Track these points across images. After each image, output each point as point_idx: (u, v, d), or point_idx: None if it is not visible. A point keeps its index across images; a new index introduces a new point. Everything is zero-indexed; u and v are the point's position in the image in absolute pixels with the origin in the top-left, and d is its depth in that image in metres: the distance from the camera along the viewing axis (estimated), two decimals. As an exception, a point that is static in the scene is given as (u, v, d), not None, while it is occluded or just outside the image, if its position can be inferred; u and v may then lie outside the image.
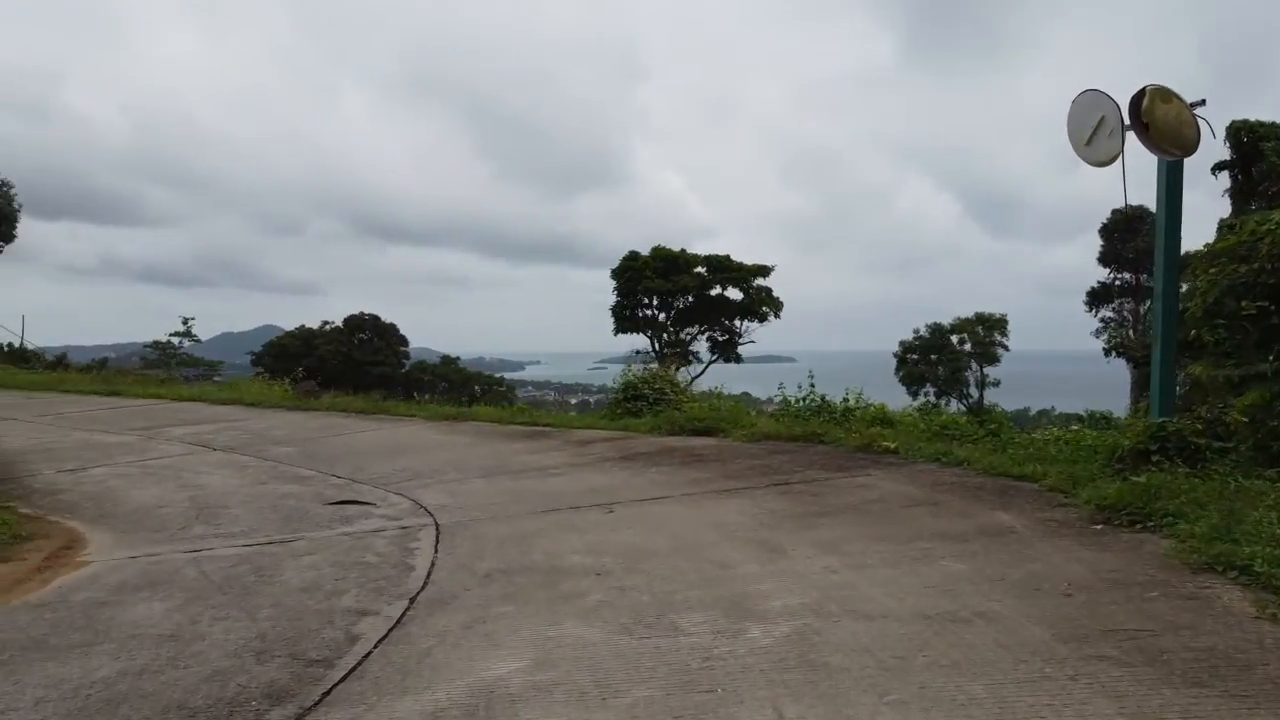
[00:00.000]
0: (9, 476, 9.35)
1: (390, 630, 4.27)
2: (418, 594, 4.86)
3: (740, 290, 43.47)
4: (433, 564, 5.51)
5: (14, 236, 50.14)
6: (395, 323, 70.24)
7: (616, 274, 43.81)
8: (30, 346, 46.66)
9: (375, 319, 69.05)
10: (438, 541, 6.12)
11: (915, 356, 53.75)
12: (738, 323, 44.11)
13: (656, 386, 13.58)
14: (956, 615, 4.02)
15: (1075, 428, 12.14)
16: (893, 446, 8.92)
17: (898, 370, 54.36)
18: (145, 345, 60.32)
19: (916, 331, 54.81)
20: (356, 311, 70.36)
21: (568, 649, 3.85)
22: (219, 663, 3.91)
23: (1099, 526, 5.62)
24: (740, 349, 44.38)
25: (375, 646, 4.05)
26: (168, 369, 55.62)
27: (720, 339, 44.40)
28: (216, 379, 30.48)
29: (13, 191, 50.38)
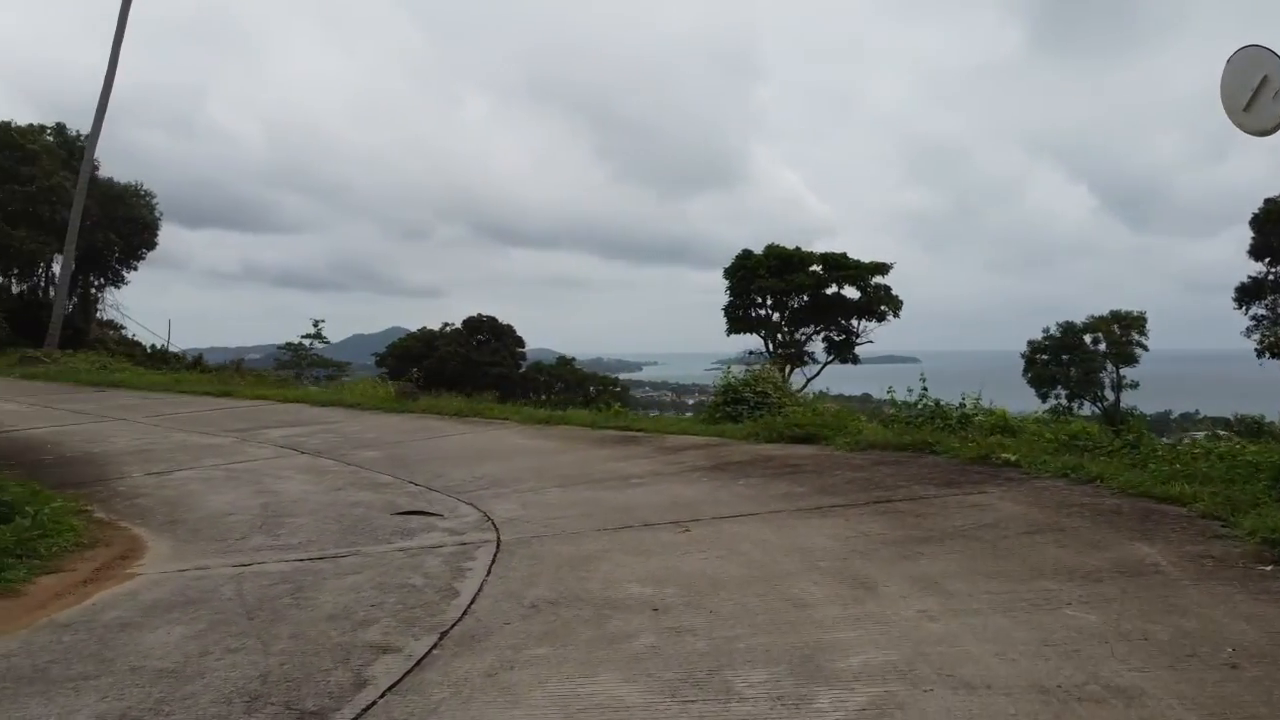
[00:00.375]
0: (101, 478, 9.33)
1: (405, 675, 3.72)
2: (451, 627, 4.31)
3: (857, 289, 42.03)
4: (479, 590, 4.97)
5: (155, 244, 52.77)
6: (512, 324, 71.10)
7: (729, 273, 42.99)
8: (174, 349, 49.01)
9: (493, 320, 70.01)
10: (493, 562, 5.58)
11: (1045, 357, 51.05)
12: (855, 322, 42.69)
13: (759, 389, 12.83)
14: (1084, 690, 3.20)
15: (1224, 434, 10.81)
16: (1013, 459, 7.97)
17: (1026, 371, 51.76)
18: (279, 347, 62.83)
19: (1046, 331, 52.07)
20: (475, 313, 71.57)
21: (595, 713, 3.22)
22: (205, 709, 3.43)
23: (1268, 568, 4.64)
24: (858, 349, 42.92)
25: (381, 696, 3.51)
26: (299, 369, 57.67)
27: (837, 339, 43.06)
28: (345, 379, 31.16)
29: (154, 201, 53.08)
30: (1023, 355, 52.31)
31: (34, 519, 6.76)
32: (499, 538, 6.27)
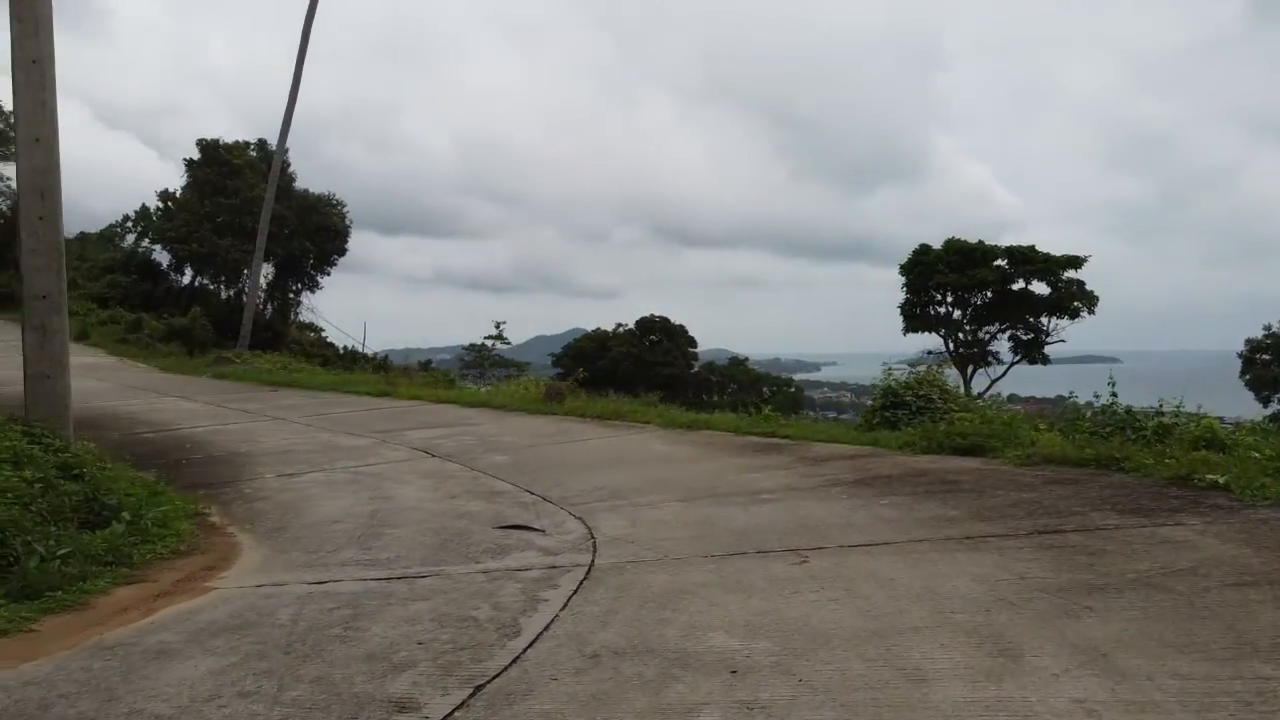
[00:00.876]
0: (234, 479, 9.33)
1: (407, 746, 3.07)
2: (490, 680, 3.64)
3: (1047, 284, 39.01)
4: (544, 629, 4.28)
5: (346, 250, 55.68)
6: (685, 324, 70.90)
7: (905, 269, 40.89)
8: (367, 350, 51.50)
9: (665, 321, 69.99)
10: (575, 592, 4.90)
11: (1267, 357, 45.85)
12: (1044, 320, 39.65)
13: (921, 393, 11.62)
14: None
15: None
16: (1222, 481, 6.58)
17: (1244, 373, 46.66)
18: (463, 348, 65.12)
19: (1268, 328, 46.72)
20: (648, 314, 71.79)
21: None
22: (167, 779, 2.90)
23: None
24: (1048, 349, 39.85)
25: (366, 777, 2.86)
26: (481, 369, 59.40)
27: (1024, 338, 40.14)
28: (521, 378, 31.62)
29: (345, 209, 56.02)
30: (1240, 355, 47.18)
31: (137, 523, 6.64)
32: (593, 561, 5.58)
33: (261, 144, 50.77)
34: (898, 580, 4.73)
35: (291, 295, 55.61)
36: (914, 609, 4.22)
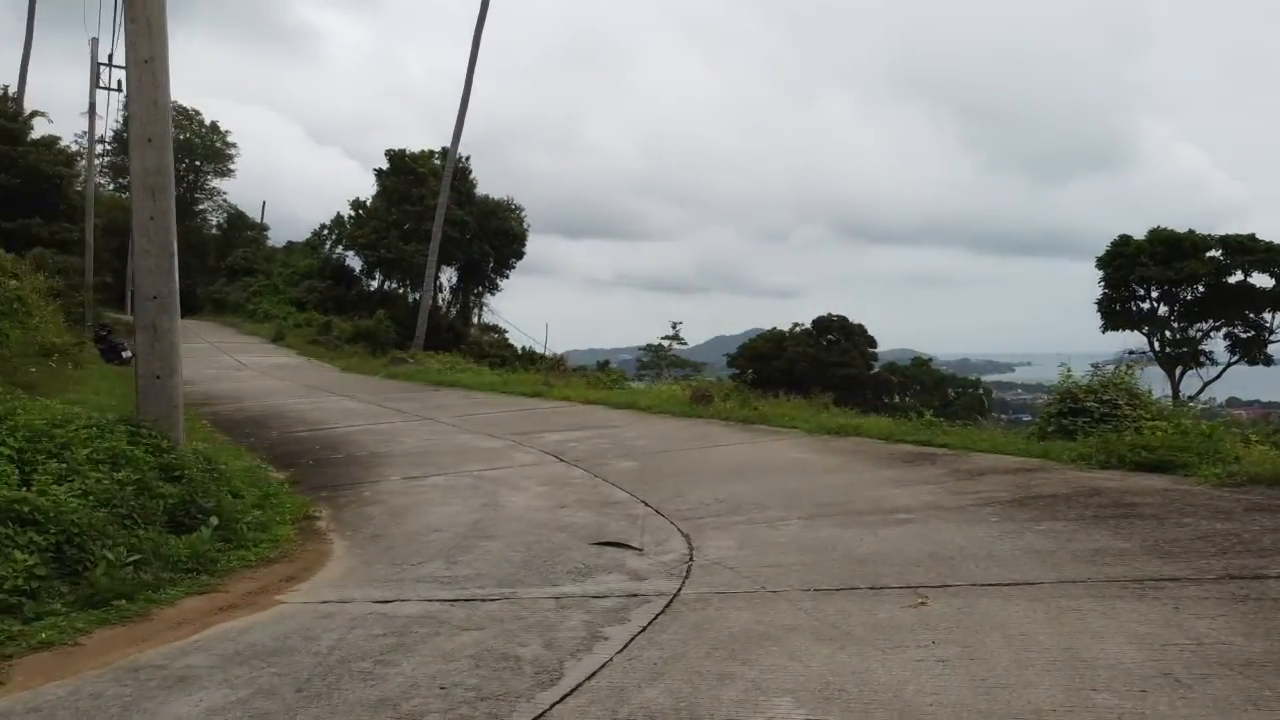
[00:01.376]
0: (360, 481, 9.22)
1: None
2: (493, 747, 3.03)
3: (1271, 276, 34.90)
4: (587, 679, 3.65)
5: (523, 253, 57.09)
6: (863, 324, 68.48)
7: (1103, 262, 37.60)
8: (548, 351, 52.64)
9: (843, 320, 67.86)
10: (642, 631, 4.23)
11: None
12: (1267, 315, 35.46)
13: (1106, 397, 10.21)
14: None
15: None
16: None
17: None
18: (640, 348, 65.61)
19: None
20: (825, 313, 69.88)
21: None
22: None
23: None
24: (1271, 348, 35.64)
25: None
26: (657, 370, 59.62)
27: (1242, 336, 36.07)
28: (700, 378, 31.26)
29: (523, 213, 57.43)
30: None
31: (233, 528, 6.48)
32: (679, 590, 4.90)
33: (445, 152, 52.66)
34: (1032, 637, 3.79)
35: (473, 298, 57.58)
36: (1044, 681, 3.30)
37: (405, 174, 49.67)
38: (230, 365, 27.58)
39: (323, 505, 8.07)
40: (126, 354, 26.42)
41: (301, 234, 56.68)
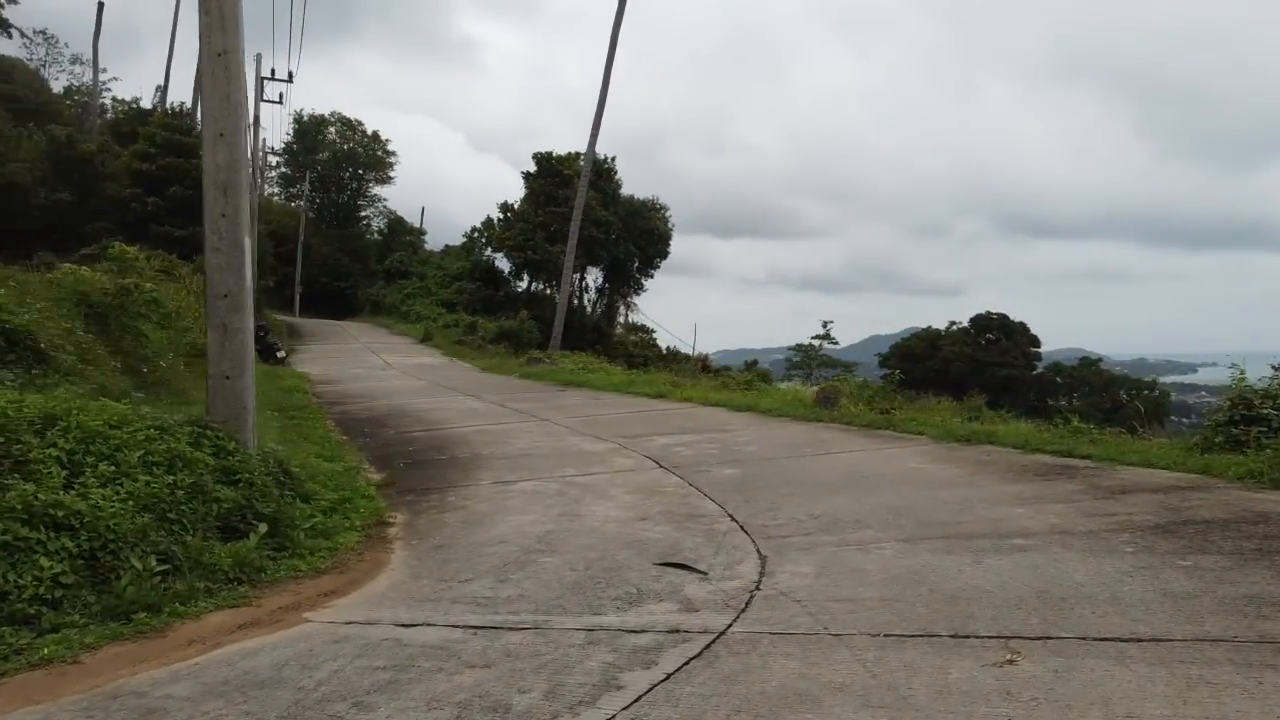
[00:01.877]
0: (452, 484, 8.95)
1: None
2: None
3: None
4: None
5: (668, 253, 56.92)
6: (1025, 322, 64.78)
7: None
8: (695, 351, 52.39)
9: (1003, 318, 64.41)
10: (662, 681, 3.61)
11: None
12: None
13: (1289, 405, 8.78)
14: None
15: None
16: None
17: None
18: (789, 348, 64.36)
19: None
20: (984, 311, 66.52)
21: None
22: None
23: None
24: None
25: None
26: (807, 370, 58.36)
27: None
28: (848, 379, 30.23)
29: (668, 213, 57.25)
30: None
31: (290, 535, 6.23)
32: (728, 627, 4.23)
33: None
34: (1148, 718, 2.93)
35: (617, 298, 57.77)
36: (1144, 789, 2.48)
37: (551, 176, 50.26)
38: (376, 365, 28.37)
39: (403, 510, 7.79)
40: (281, 353, 27.58)
41: (459, 238, 58.30)
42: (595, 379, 21.47)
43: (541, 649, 4.06)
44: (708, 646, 3.96)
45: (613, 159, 53.60)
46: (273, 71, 36.80)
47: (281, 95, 37.89)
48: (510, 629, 4.41)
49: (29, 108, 41.76)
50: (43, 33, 54.54)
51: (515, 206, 52.07)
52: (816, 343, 60.08)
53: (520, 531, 6.68)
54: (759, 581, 5.02)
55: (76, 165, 36.93)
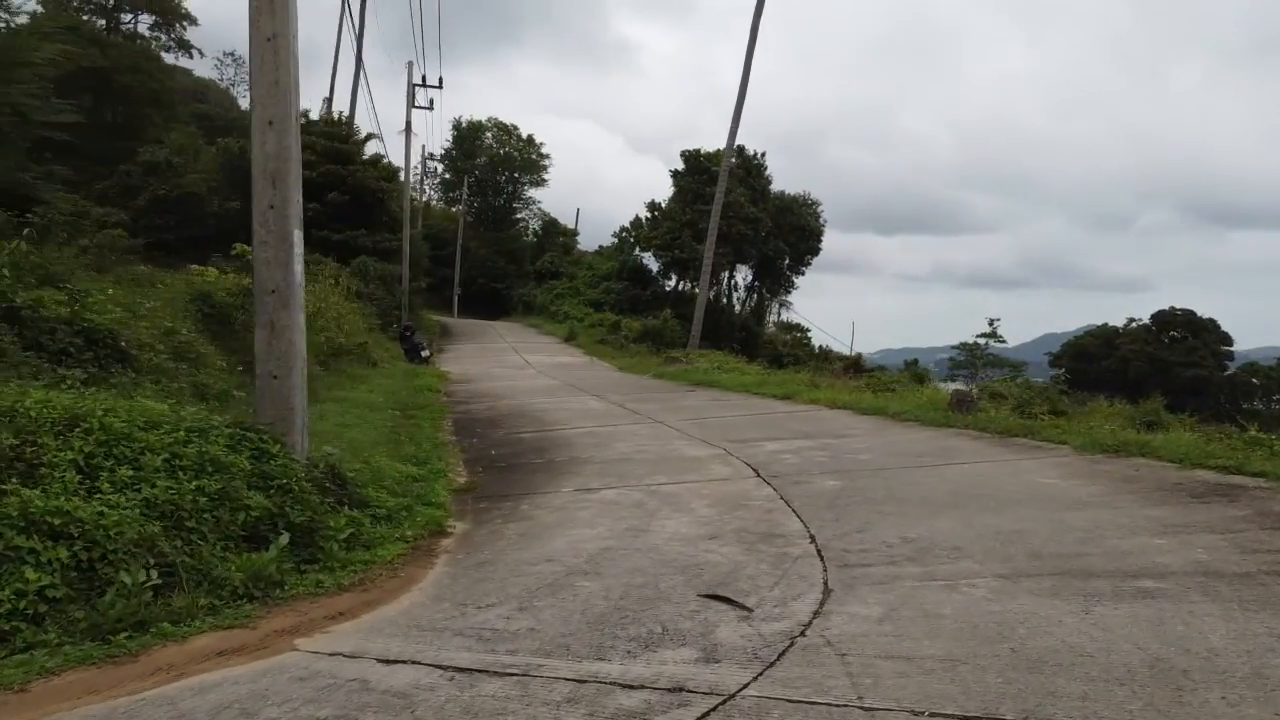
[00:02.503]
0: (534, 490, 8.47)
1: None
2: None
3: None
4: None
5: (819, 249, 55.36)
6: (1215, 318, 59.38)
7: None
8: (851, 351, 50.78)
9: (1189, 314, 59.25)
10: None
11: None
12: None
13: None
14: None
15: None
16: None
17: None
18: (952, 347, 61.53)
19: None
20: (1167, 307, 61.42)
21: None
22: None
23: None
24: None
25: None
26: (972, 370, 55.66)
27: None
28: (1019, 379, 28.42)
29: (819, 209, 55.66)
30: None
31: (320, 545, 5.82)
32: (741, 689, 3.46)
33: (740, 150, 52.07)
34: None
35: (767, 296, 56.59)
36: None
37: (699, 173, 49.62)
38: (516, 364, 28.48)
39: (468, 518, 7.32)
40: (426, 353, 28.06)
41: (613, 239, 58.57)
42: (726, 379, 20.68)
43: (509, 706, 3.40)
44: (703, 717, 3.19)
45: (762, 154, 52.50)
46: (424, 78, 37.67)
47: (432, 101, 38.69)
48: (495, 673, 3.77)
49: (219, 125, 44.52)
50: (231, 54, 58.49)
51: (663, 205, 51.75)
52: (982, 341, 57.03)
53: (574, 549, 6.05)
54: (808, 625, 4.19)
55: (247, 174, 38.87)
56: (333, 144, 37.16)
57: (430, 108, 38.47)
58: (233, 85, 57.78)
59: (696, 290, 51.30)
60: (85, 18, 45.08)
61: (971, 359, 56.52)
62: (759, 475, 8.54)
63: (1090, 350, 60.44)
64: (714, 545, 5.95)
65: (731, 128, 30.78)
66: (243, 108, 54.37)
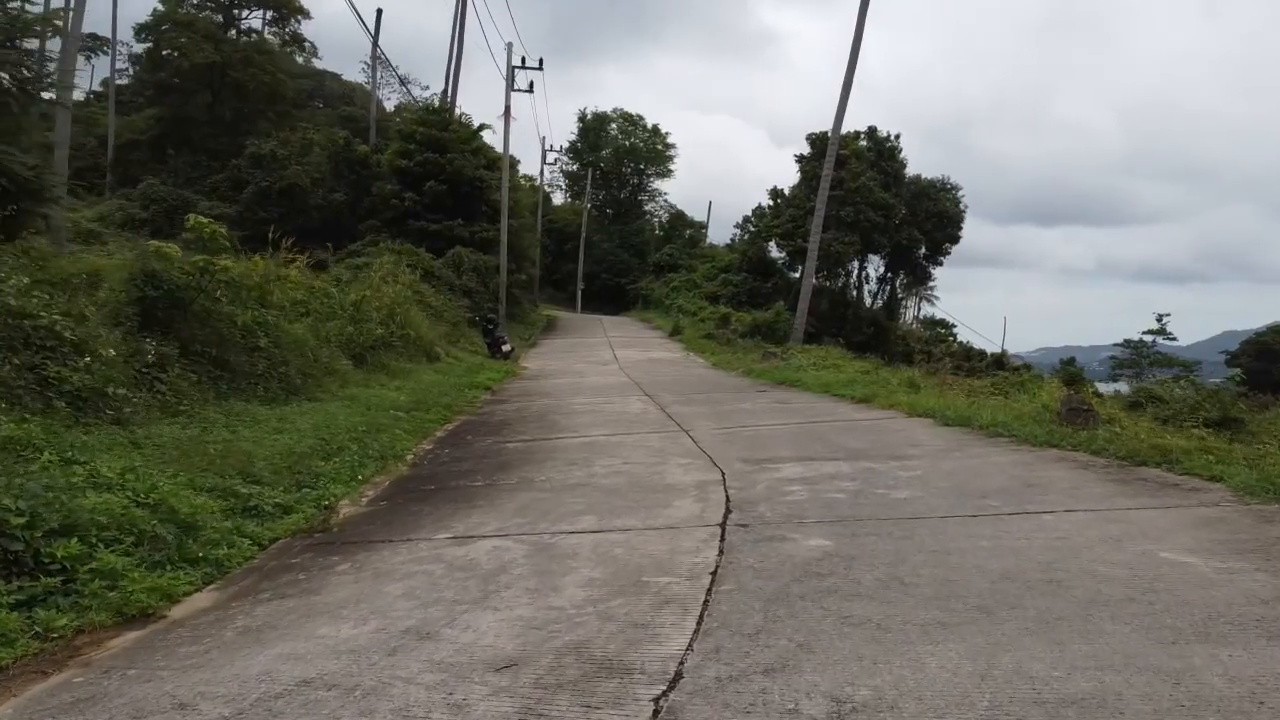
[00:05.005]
0: (412, 533, 5.96)
1: None
2: None
3: None
4: None
5: (959, 237, 50.78)
6: None
7: None
8: (996, 348, 46.25)
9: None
10: None
11: None
12: None
13: None
14: None
15: None
16: None
17: None
18: (1116, 345, 55.60)
19: None
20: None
21: None
22: None
23: None
24: None
25: None
26: (1138, 369, 50.02)
27: None
28: (1196, 380, 24.31)
29: (960, 194, 51.01)
30: None
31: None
32: None
33: (872, 131, 48.23)
34: None
35: (900, 289, 52.39)
36: None
37: (822, 158, 46.05)
38: (600, 360, 26.10)
39: (237, 585, 4.88)
40: (506, 348, 26.06)
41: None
42: (807, 377, 17.64)
43: None
44: None
45: (896, 136, 48.40)
46: (523, 60, 35.69)
47: (531, 84, 36.70)
48: None
49: (363, 126, 44.48)
50: (379, 58, 59.06)
51: (785, 192, 48.35)
52: (1150, 338, 51.00)
53: (269, 675, 3.45)
54: None
55: (353, 166, 38.21)
56: (431, 132, 35.76)
57: (530, 90, 36.47)
58: (378, 87, 58.12)
59: (825, 282, 47.76)
60: (203, 14, 45.58)
61: (1137, 357, 50.64)
62: (724, 522, 5.72)
63: (1275, 348, 53.35)
64: (486, 692, 3.22)
65: (839, 107, 27.61)
66: (387, 109, 54.65)
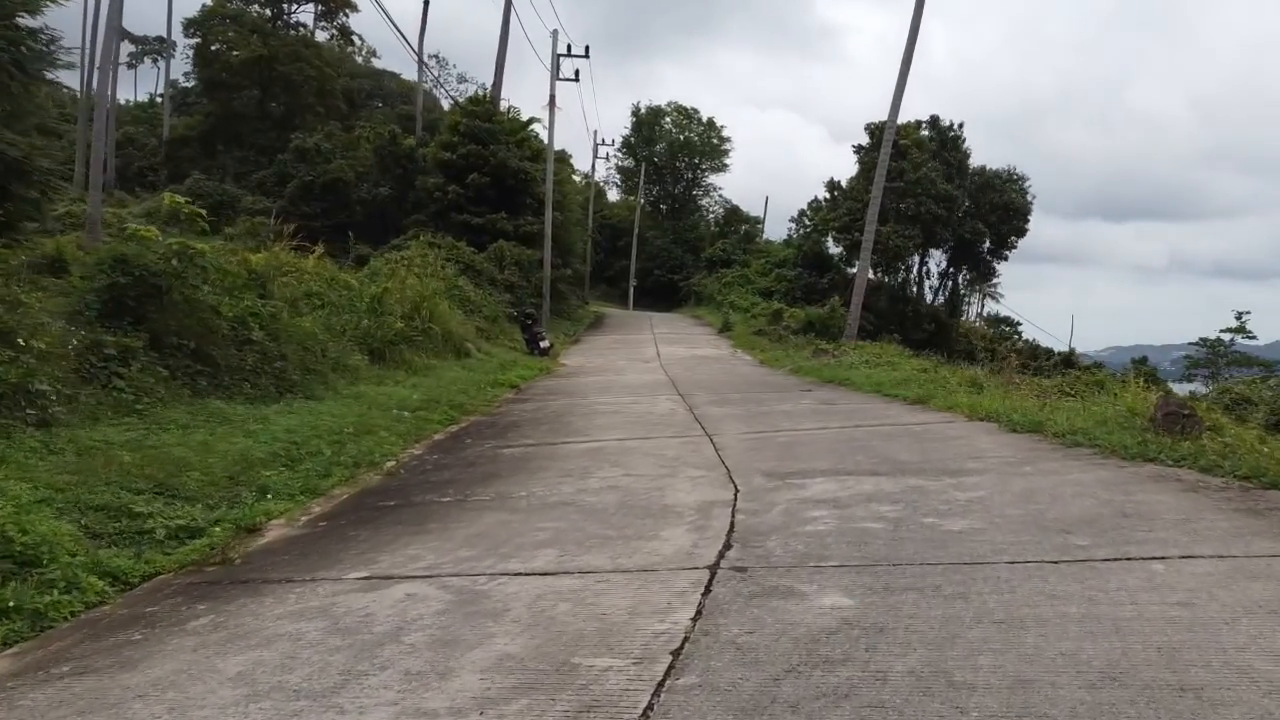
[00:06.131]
0: (318, 571, 4.70)
1: None
2: None
3: None
4: None
5: (1025, 230, 48.37)
6: None
7: None
8: (1066, 347, 43.95)
9: None
10: None
11: None
12: None
13: None
14: None
15: None
16: None
17: None
18: (1190, 344, 52.67)
19: None
20: None
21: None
22: None
23: None
24: None
25: None
26: (1214, 369, 47.19)
27: None
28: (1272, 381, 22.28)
29: (1027, 185, 48.56)
30: None
31: None
32: None
33: (934, 121, 46.14)
34: None
35: (964, 284, 50.13)
36: None
37: (878, 149, 44.11)
38: (643, 357, 24.77)
39: (34, 655, 3.60)
40: (545, 343, 24.91)
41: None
42: (858, 375, 16.07)
43: None
44: None
45: (959, 125, 46.21)
46: (569, 48, 34.49)
47: (577, 72, 35.49)
48: None
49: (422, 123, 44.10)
50: (435, 57, 59.16)
51: (843, 184, 46.46)
52: (1227, 337, 48.05)
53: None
54: None
55: (399, 161, 37.48)
56: (474, 123, 34.74)
57: (576, 79, 35.28)
58: (436, 85, 57.66)
59: (884, 278, 45.79)
60: (251, 7, 45.26)
61: (1213, 356, 47.70)
62: (717, 563, 4.34)
63: (1373, 348, 49.89)
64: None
65: (895, 99, 26.01)
66: (444, 107, 54.23)
